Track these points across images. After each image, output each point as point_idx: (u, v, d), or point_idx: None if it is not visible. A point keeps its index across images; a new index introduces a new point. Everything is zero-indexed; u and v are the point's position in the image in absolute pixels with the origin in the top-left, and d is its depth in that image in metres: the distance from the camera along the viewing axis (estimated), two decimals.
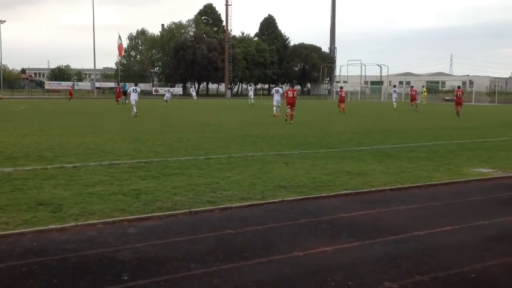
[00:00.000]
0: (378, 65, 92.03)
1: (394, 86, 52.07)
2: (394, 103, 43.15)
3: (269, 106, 44.40)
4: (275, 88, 31.23)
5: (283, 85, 75.03)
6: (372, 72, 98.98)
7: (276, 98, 29.72)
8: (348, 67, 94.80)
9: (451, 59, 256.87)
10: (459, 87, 38.53)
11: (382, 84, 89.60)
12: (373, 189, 8.52)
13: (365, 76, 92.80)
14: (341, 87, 40.50)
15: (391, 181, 9.23)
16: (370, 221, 6.55)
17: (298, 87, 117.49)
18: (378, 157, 12.32)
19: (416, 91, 46.09)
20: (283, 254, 5.20)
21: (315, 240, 5.70)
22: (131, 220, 6.39)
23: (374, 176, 9.76)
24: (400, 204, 7.59)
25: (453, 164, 11.36)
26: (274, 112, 29.11)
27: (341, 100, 36.78)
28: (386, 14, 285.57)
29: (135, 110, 29.36)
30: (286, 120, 25.02)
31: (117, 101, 47.26)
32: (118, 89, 51.03)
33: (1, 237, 5.56)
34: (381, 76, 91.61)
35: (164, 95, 51.48)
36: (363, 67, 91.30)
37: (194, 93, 62.53)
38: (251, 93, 56.61)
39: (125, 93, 49.12)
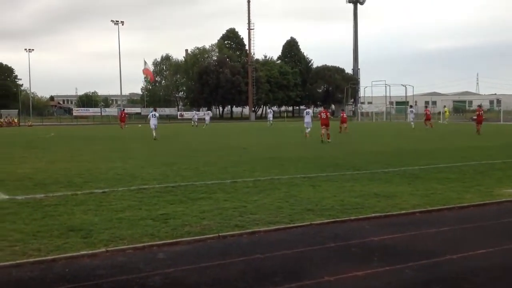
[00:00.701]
0: (403, 85, 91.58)
1: (411, 106, 54.03)
2: (412, 123, 44.28)
3: (293, 128, 44.43)
4: (305, 111, 33.66)
5: (310, 108, 75.29)
6: (397, 92, 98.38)
7: (307, 120, 30.92)
8: (373, 87, 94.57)
9: (477, 78, 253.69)
10: (479, 106, 38.78)
11: (407, 105, 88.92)
12: (402, 211, 8.41)
13: (390, 96, 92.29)
14: (343, 110, 42.94)
15: (420, 203, 9.10)
16: (401, 245, 6.46)
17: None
18: (407, 179, 12.18)
19: (430, 111, 47.80)
20: (313, 279, 5.15)
21: (346, 264, 5.64)
22: (160, 245, 6.42)
23: (403, 198, 9.64)
24: (431, 226, 7.47)
25: (484, 185, 11.15)
26: (306, 132, 30.07)
27: (343, 121, 37.29)
28: (410, 33, 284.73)
29: (154, 134, 30.51)
30: (322, 141, 25.86)
31: (121, 126, 50.30)
32: (123, 114, 54.57)
33: (33, 264, 5.63)
34: (406, 96, 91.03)
35: (192, 117, 52.85)
36: (387, 87, 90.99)
37: (208, 118, 58.81)
38: (270, 115, 58.84)
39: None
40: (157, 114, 34.14)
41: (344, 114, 39.73)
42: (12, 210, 8.47)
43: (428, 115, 44.62)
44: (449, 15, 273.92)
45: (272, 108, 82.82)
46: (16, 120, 70.10)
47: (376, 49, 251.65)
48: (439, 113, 72.43)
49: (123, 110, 64.74)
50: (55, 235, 6.86)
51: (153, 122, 32.34)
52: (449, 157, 17.84)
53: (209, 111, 63.69)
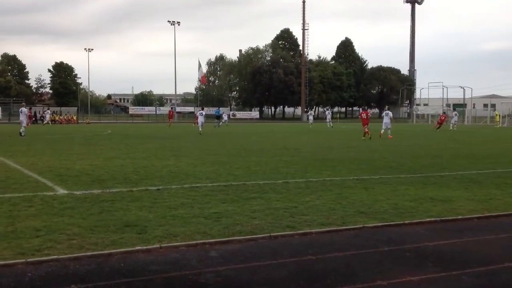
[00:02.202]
0: (461, 87, 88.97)
1: (454, 109, 57.67)
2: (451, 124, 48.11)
3: (347, 130, 43.98)
4: (385, 112, 34.60)
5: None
6: (455, 94, 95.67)
7: (385, 120, 32.71)
8: (429, 89, 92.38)
9: None
10: None
11: (465, 107, 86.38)
12: (459, 217, 8.17)
13: (447, 98, 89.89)
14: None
15: (478, 209, 8.81)
16: (457, 251, 6.28)
17: (376, 110, 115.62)
18: (464, 183, 11.82)
19: (446, 116, 52.68)
20: (366, 282, 5.08)
21: (399, 269, 5.53)
22: (212, 243, 6.48)
23: (460, 203, 9.36)
24: (489, 233, 7.22)
25: None
26: (381, 132, 31.83)
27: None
28: (468, 33, 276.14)
29: (200, 130, 36.96)
30: (364, 139, 28.68)
31: (169, 123, 55.64)
32: (171, 113, 60.42)
33: (90, 257, 5.80)
34: (464, 98, 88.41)
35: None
36: (444, 89, 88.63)
37: (225, 117, 61.59)
38: (329, 117, 58.54)
39: (218, 117, 57.84)
40: (203, 113, 40.09)
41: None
42: (70, 205, 8.77)
43: (442, 120, 48.23)
44: (510, 14, 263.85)
45: (329, 110, 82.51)
46: (75, 118, 72.54)
47: (433, 50, 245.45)
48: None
49: (171, 108, 68.64)
50: (112, 230, 7.05)
51: (200, 120, 38.38)
52: (508, 162, 17.20)
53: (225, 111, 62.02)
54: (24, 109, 33.98)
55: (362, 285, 5.02)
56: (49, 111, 68.06)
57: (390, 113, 33.69)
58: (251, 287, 4.95)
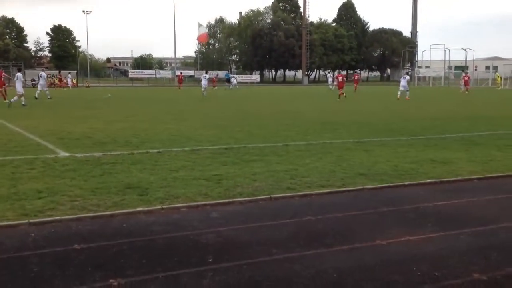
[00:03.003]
0: (463, 49, 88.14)
1: (407, 73, 54.86)
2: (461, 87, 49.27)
3: (347, 92, 43.87)
4: (403, 76, 37.17)
5: (337, 71, 72.98)
6: (457, 56, 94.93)
7: (403, 83, 34.97)
8: (431, 51, 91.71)
9: None
10: None
11: (467, 69, 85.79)
12: (459, 178, 8.21)
13: (449, 61, 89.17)
14: (339, 72, 44.02)
15: (478, 170, 8.85)
16: (456, 211, 6.33)
17: (377, 72, 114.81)
18: (464, 145, 11.84)
19: (469, 77, 53.04)
20: (365, 242, 5.14)
21: (398, 229, 5.58)
22: (214, 205, 6.54)
23: (460, 164, 9.39)
24: (488, 194, 7.27)
25: None
26: (398, 95, 33.69)
27: (340, 85, 34.87)
28: None
29: (204, 93, 37.58)
30: (339, 100, 31.20)
31: (179, 87, 58.45)
32: (180, 77, 64.75)
33: (93, 218, 5.86)
34: (466, 61, 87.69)
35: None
36: (446, 51, 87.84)
37: (235, 81, 59.19)
38: (330, 80, 57.97)
39: (228, 81, 60.40)
40: (207, 76, 41.41)
41: (339, 78, 37.06)
42: (72, 167, 8.81)
43: (466, 81, 49.94)
44: None
45: (331, 73, 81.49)
46: (74, 81, 72.09)
47: (436, 12, 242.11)
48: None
49: (181, 73, 69.05)
50: (113, 192, 7.10)
51: (204, 82, 39.01)
52: (509, 123, 17.18)
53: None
54: (43, 73, 33.11)
55: (361, 244, 5.08)
56: (70, 75, 68.13)
57: (408, 77, 37.07)
58: (251, 247, 5.01)
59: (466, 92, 46.75)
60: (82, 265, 4.49)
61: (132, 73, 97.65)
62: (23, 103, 26.20)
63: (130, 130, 14.64)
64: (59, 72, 72.01)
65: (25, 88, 29.84)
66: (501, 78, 66.78)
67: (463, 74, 55.47)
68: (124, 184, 7.51)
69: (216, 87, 55.77)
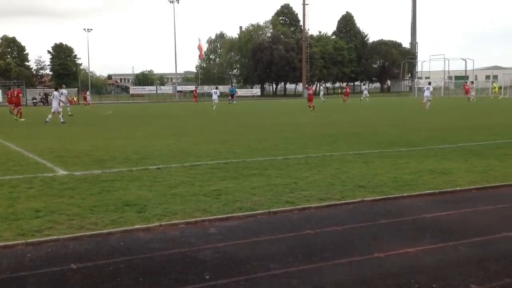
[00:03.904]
0: (463, 59, 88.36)
1: (429, 83, 56.89)
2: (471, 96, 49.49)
3: (348, 104, 43.82)
4: (426, 86, 38.78)
5: (308, 84, 75.79)
6: (457, 67, 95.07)
7: (426, 94, 36.48)
8: (431, 62, 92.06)
9: None
10: None
11: (467, 79, 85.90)
12: (458, 188, 8.18)
13: (448, 71, 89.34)
14: (308, 86, 45.52)
15: (477, 180, 8.82)
16: (455, 222, 6.30)
17: (377, 84, 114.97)
18: (463, 155, 11.82)
19: (469, 86, 55.36)
20: (363, 255, 5.11)
21: (397, 241, 5.56)
22: (212, 220, 6.52)
23: (459, 175, 9.37)
24: (487, 204, 7.24)
25: None
26: (427, 107, 34.37)
27: (310, 98, 36.34)
28: (471, 5, 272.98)
29: (214, 107, 41.73)
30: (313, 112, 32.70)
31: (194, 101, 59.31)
32: (195, 92, 65.59)
33: (90, 237, 5.84)
34: (466, 70, 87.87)
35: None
36: (446, 61, 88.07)
37: (216, 97, 50.23)
38: (322, 92, 60.14)
39: (232, 96, 61.89)
40: (218, 92, 46.87)
41: (311, 91, 39.18)
42: (71, 185, 8.80)
43: (467, 89, 53.25)
44: None
45: (325, 84, 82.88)
46: (75, 99, 72.12)
47: (436, 22, 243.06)
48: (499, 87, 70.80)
49: (196, 87, 74.49)
50: (111, 209, 7.09)
51: (214, 97, 44.89)
52: (508, 133, 17.17)
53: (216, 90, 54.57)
54: (56, 93, 31.11)
55: (360, 257, 5.05)
56: (89, 92, 69.21)
57: (431, 88, 39.00)
58: (250, 262, 4.98)
59: (469, 101, 49.47)
60: (79, 284, 4.47)
61: (133, 90, 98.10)
62: (61, 120, 26.61)
63: (130, 147, 14.66)
64: (84, 90, 73.52)
65: (25, 106, 29.83)
66: (497, 88, 67.02)
67: (468, 82, 58.95)
68: (122, 202, 7.50)
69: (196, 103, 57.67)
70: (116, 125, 25.31)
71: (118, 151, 13.64)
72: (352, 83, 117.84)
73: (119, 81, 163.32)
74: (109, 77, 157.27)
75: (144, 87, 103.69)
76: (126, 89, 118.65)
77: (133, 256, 5.22)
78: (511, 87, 73.69)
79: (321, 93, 62.75)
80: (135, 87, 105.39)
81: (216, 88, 48.67)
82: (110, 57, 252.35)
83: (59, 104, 27.49)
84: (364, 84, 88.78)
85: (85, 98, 64.68)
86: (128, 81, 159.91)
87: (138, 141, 16.53)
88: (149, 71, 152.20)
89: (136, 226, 6.20)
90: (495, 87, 66.68)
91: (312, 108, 34.26)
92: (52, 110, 27.32)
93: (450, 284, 4.34)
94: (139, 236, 5.91)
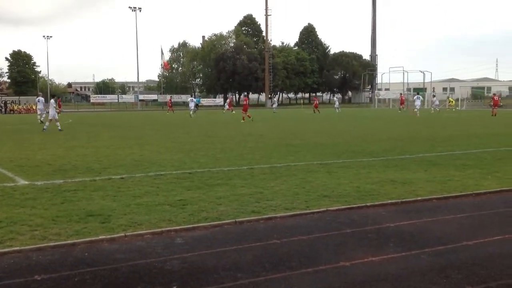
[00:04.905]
0: (421, 72, 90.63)
1: (418, 93, 60.39)
2: (416, 110, 48.75)
3: (309, 115, 44.30)
4: (416, 96, 47.27)
5: (324, 94, 77.45)
6: (415, 79, 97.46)
7: (417, 103, 45.67)
8: (390, 74, 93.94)
9: (497, 65, 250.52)
10: (494, 94, 49.72)
11: (425, 91, 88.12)
12: (419, 198, 8.39)
13: (407, 83, 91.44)
14: (245, 95, 47.07)
15: (437, 190, 9.07)
16: (417, 231, 6.46)
17: (339, 95, 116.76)
18: (423, 166, 12.12)
19: (404, 97, 64.18)
20: (329, 264, 5.19)
21: (362, 250, 5.67)
22: (178, 230, 6.49)
23: (420, 185, 9.61)
24: (447, 213, 7.45)
25: (502, 172, 11.06)
26: (417, 114, 41.64)
27: (245, 108, 37.44)
28: (428, 20, 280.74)
29: (192, 114, 45.41)
30: (243, 122, 33.83)
31: (171, 110, 60.22)
32: (169, 101, 64.14)
33: (54, 248, 5.74)
34: (424, 82, 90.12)
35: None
36: (405, 73, 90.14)
37: (192, 104, 51.30)
38: (275, 104, 62.20)
39: (197, 106, 59.77)
40: (194, 100, 51.13)
41: (246, 101, 39.67)
42: (32, 195, 8.61)
43: (402, 100, 60.89)
44: (466, 1, 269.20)
45: (276, 97, 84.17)
46: (35, 107, 70.53)
47: (395, 35, 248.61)
48: (456, 99, 73.38)
49: (171, 97, 70.69)
50: (74, 220, 6.97)
51: (191, 105, 48.25)
52: (466, 143, 17.70)
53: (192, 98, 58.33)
54: (41, 98, 30.46)
55: (326, 266, 5.13)
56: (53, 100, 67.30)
57: (421, 97, 47.17)
58: (216, 272, 4.99)
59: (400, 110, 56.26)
60: None
61: (94, 98, 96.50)
62: (59, 128, 26.36)
63: (92, 156, 14.43)
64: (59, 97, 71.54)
65: None
66: (453, 100, 69.41)
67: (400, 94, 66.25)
68: (86, 212, 7.39)
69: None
70: (77, 134, 24.86)
71: (80, 161, 13.42)
72: (314, 94, 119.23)
73: (79, 89, 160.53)
74: (69, 85, 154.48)
75: (105, 95, 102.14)
76: (86, 98, 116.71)
77: (98, 267, 5.15)
78: (467, 99, 76.04)
79: (274, 104, 63.60)
80: (96, 95, 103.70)
81: (192, 96, 51.01)
82: (70, 65, 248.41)
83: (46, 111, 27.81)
84: (335, 96, 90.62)
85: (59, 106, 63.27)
86: (89, 89, 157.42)
87: (100, 150, 16.30)
88: (110, 80, 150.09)
89: (100, 237, 6.12)
90: (451, 100, 68.83)
91: (243, 119, 35.25)
92: (49, 118, 27.22)
93: None
94: (104, 247, 5.83)
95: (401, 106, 59.02)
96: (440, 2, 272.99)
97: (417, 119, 39.07)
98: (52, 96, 29.50)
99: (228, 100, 65.96)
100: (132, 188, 9.28)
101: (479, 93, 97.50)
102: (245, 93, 60.37)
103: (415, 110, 46.01)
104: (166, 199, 8.31)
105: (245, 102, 38.50)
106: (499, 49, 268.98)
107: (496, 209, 7.68)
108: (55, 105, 27.53)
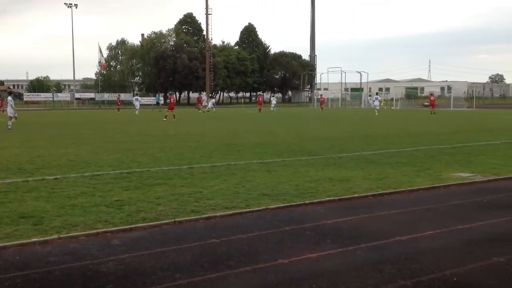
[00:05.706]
0: (358, 72, 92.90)
1: (377, 93, 62.34)
2: (376, 110, 49.50)
3: (253, 114, 44.48)
4: (375, 96, 49.87)
5: (265, 93, 78.43)
6: (352, 79, 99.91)
7: (375, 103, 48.44)
8: (329, 74, 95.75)
9: (430, 66, 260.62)
10: (431, 94, 52.63)
11: (362, 91, 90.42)
12: (355, 195, 8.60)
13: (345, 83, 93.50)
14: (170, 94, 49.34)
15: (373, 187, 9.32)
16: (353, 227, 6.62)
17: (279, 94, 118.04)
18: (360, 164, 12.43)
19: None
20: (268, 262, 5.23)
21: (300, 247, 5.74)
22: (115, 232, 6.36)
23: (356, 182, 9.84)
24: (382, 209, 7.67)
25: (433, 169, 11.51)
26: (376, 113, 44.84)
27: (170, 107, 38.74)
28: (365, 21, 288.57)
29: (137, 112, 46.35)
30: (164, 120, 34.20)
31: (118, 109, 58.89)
32: (118, 99, 63.60)
33: None
34: (361, 83, 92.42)
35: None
36: (343, 74, 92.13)
37: (137, 103, 49.80)
38: (210, 103, 61.59)
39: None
40: (139, 99, 51.42)
41: (172, 99, 42.65)
42: None
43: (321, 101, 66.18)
44: (402, 2, 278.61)
45: (204, 93, 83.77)
46: None
47: (333, 36, 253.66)
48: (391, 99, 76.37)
49: (119, 95, 69.85)
50: (5, 222, 6.70)
51: (136, 104, 48.91)
52: (400, 142, 18.29)
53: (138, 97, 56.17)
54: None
55: (264, 264, 5.16)
56: None
57: (379, 97, 50.21)
58: (155, 273, 4.92)
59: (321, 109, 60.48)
60: None
61: (27, 96, 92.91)
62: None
63: (24, 157, 13.90)
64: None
65: None
66: (384, 100, 72.73)
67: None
68: (17, 214, 7.12)
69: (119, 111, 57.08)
70: (9, 133, 23.87)
71: (11, 161, 12.90)
72: (255, 93, 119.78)
73: (12, 87, 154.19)
74: (1, 83, 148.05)
75: (39, 94, 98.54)
76: (19, 96, 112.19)
77: (30, 270, 4.97)
78: (401, 99, 78.71)
79: (210, 103, 62.81)
80: (29, 93, 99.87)
81: (137, 94, 52.22)
82: (2, 61, 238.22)
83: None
84: (272, 96, 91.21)
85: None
86: (22, 87, 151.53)
87: (33, 150, 15.72)
88: (45, 77, 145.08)
89: (33, 239, 5.91)
90: (382, 100, 71.41)
91: (166, 117, 35.54)
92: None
93: (350, 287, 4.55)
94: (37, 250, 5.64)
95: (321, 106, 63.76)
96: (377, 3, 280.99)
97: (356, 119, 40.01)
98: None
99: (197, 98, 67.21)
100: (66, 189, 9.01)
101: (413, 93, 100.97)
102: (171, 92, 61.30)
103: (375, 110, 48.21)
104: (103, 200, 8.12)
105: (170, 100, 40.99)
106: (432, 50, 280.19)
107: (427, 205, 7.98)
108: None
